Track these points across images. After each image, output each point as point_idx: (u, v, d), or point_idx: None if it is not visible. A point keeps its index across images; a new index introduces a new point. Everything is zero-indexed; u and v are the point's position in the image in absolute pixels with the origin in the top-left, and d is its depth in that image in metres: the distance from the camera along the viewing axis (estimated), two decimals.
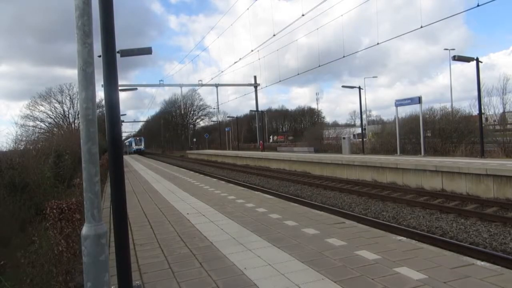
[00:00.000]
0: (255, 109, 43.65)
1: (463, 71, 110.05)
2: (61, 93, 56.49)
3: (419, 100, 19.86)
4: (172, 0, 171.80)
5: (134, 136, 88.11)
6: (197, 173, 19.46)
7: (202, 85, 42.91)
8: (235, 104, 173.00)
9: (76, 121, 53.01)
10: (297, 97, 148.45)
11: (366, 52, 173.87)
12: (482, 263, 4.13)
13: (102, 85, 3.23)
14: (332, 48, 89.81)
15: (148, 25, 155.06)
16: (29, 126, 45.43)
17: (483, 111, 18.37)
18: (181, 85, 44.30)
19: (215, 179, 15.35)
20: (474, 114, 22.03)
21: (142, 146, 74.81)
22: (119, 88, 4.35)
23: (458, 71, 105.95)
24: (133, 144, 74.99)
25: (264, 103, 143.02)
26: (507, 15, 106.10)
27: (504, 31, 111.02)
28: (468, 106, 33.69)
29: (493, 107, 21.34)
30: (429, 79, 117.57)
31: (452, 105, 33.16)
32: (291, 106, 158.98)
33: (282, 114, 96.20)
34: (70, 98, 56.45)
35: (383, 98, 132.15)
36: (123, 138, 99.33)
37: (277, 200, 9.19)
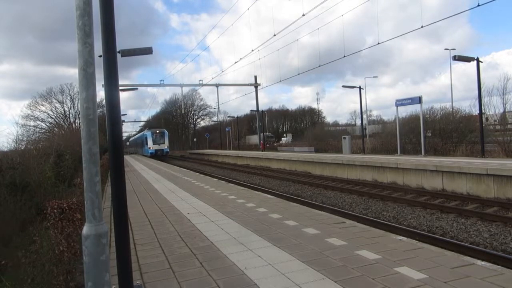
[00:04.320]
0: (256, 108, 43.63)
1: (465, 70, 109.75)
2: (61, 93, 56.62)
3: (419, 100, 19.84)
4: None
5: (151, 127, 55.52)
6: (197, 173, 19.46)
7: (203, 85, 42.91)
8: (236, 103, 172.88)
9: (76, 121, 53.04)
10: (299, 97, 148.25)
11: (370, 51, 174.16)
12: (483, 263, 4.13)
13: (102, 85, 3.24)
14: (335, 47, 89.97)
15: (151, 23, 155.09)
16: (30, 126, 45.42)
17: (483, 111, 18.35)
18: (181, 85, 44.22)
19: (215, 179, 15.35)
20: (474, 114, 22.02)
21: (165, 146, 46.52)
22: (120, 88, 4.36)
23: (461, 70, 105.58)
24: (150, 142, 46.01)
25: (266, 103, 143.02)
26: (510, 14, 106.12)
27: (507, 30, 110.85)
28: (468, 106, 33.70)
29: (494, 107, 21.31)
30: (431, 79, 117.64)
31: (452, 104, 33.20)
32: (293, 105, 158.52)
33: (282, 114, 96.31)
34: (71, 98, 56.53)
35: (385, 97, 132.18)
36: (132, 133, 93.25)
37: (277, 200, 9.19)
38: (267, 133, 74.60)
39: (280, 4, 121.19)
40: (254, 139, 60.04)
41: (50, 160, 14.83)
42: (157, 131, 47.53)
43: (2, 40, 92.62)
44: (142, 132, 60.18)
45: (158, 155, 43.96)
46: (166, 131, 48.65)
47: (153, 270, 4.31)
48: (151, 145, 45.81)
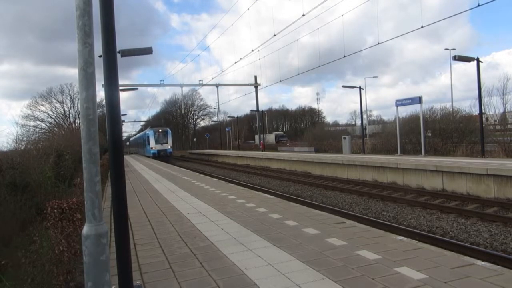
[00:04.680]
0: (256, 108, 43.63)
1: (465, 70, 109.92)
2: (61, 93, 56.72)
3: (419, 100, 19.84)
4: None
5: (153, 126, 50.91)
6: (197, 173, 19.46)
7: (203, 85, 42.91)
8: (236, 103, 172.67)
9: (76, 121, 53.08)
10: (299, 97, 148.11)
11: (370, 51, 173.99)
12: (483, 263, 4.13)
13: (102, 85, 3.24)
14: (335, 47, 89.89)
15: (151, 23, 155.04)
16: (29, 126, 45.49)
17: (483, 111, 18.35)
18: (181, 85, 44.20)
19: (215, 179, 15.35)
20: (474, 114, 22.02)
21: (168, 146, 43.33)
22: (120, 88, 4.36)
23: (461, 70, 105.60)
24: (152, 142, 43.17)
25: (266, 103, 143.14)
26: (510, 14, 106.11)
27: (507, 30, 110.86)
28: (468, 106, 33.72)
29: (494, 107, 21.34)
30: (432, 79, 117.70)
31: (452, 105, 33.22)
32: (293, 105, 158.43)
33: (282, 114, 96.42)
34: (71, 98, 56.63)
35: (385, 97, 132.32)
36: (132, 133, 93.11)
37: (277, 200, 9.19)
38: (279, 132, 74.24)
39: (280, 4, 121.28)
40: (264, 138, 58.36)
41: (50, 160, 14.81)
42: (160, 130, 44.47)
43: (2, 40, 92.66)
44: (143, 131, 57.08)
45: (161, 156, 40.85)
46: (169, 130, 45.18)
47: (153, 270, 4.31)
48: (153, 145, 42.86)
